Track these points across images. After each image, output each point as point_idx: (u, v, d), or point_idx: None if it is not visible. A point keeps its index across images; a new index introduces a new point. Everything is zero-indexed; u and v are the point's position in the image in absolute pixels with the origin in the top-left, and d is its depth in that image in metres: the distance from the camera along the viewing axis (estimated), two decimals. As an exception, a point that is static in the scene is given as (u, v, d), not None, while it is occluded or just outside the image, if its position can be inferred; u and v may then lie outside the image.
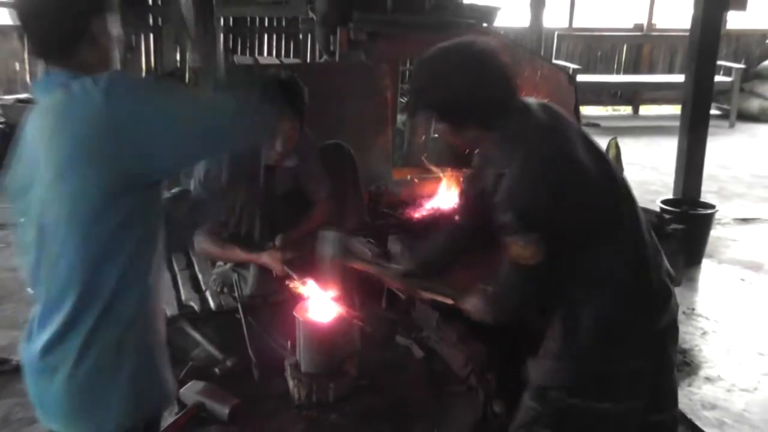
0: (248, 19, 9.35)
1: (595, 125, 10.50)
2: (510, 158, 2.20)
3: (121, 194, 1.83)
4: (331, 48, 5.35)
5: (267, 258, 3.29)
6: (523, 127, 2.24)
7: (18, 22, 1.90)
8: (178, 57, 8.71)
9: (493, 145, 2.30)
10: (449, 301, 3.12)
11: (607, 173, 2.29)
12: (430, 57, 2.31)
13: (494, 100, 2.25)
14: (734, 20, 10.80)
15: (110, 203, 1.83)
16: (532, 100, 2.37)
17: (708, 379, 4.06)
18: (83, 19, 1.89)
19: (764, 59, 11.47)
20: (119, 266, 1.87)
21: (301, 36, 9.19)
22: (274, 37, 9.58)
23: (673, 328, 2.38)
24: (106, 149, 1.79)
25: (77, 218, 1.83)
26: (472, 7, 5.65)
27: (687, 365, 4.20)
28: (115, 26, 1.97)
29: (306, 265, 3.09)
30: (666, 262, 2.42)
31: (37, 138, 1.88)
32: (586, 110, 11.38)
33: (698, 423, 3.63)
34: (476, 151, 2.49)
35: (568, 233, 2.16)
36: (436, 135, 3.79)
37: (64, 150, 1.81)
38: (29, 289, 2.02)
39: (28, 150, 1.93)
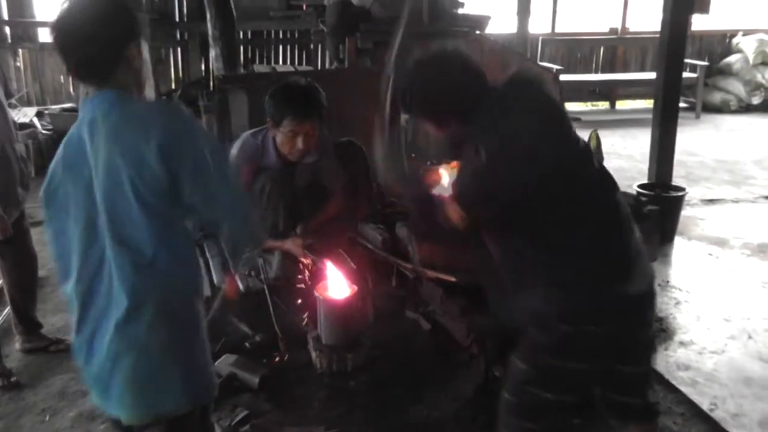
0: (265, 32, 9.33)
1: (577, 119, 10.44)
2: (487, 141, 2.19)
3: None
4: (341, 56, 5.35)
5: (290, 244, 3.30)
6: (495, 114, 2.20)
7: (58, 48, 1.89)
8: (203, 68, 8.73)
9: (473, 133, 2.29)
10: (452, 279, 3.14)
11: (572, 143, 2.26)
12: (408, 67, 2.33)
13: (467, 96, 2.25)
14: (698, 22, 10.76)
15: (163, 205, 1.85)
16: (508, 82, 2.31)
17: (681, 344, 4.06)
18: (120, 46, 1.91)
19: (725, 57, 11.42)
20: (173, 260, 1.88)
21: (312, 46, 9.17)
22: (289, 47, 9.55)
23: (645, 298, 2.35)
24: (154, 167, 1.81)
25: (135, 211, 1.84)
26: (466, 17, 5.64)
27: (663, 331, 4.19)
28: (145, 50, 1.99)
29: (324, 250, 3.10)
30: (637, 241, 2.39)
31: (93, 147, 1.88)
32: (569, 106, 11.33)
33: (674, 382, 3.62)
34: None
35: (534, 202, 2.13)
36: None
37: (122, 158, 1.83)
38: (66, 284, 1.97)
39: (79, 159, 1.91)
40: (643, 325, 2.36)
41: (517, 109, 2.19)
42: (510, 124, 2.15)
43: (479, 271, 2.41)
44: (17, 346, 3.92)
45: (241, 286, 3.46)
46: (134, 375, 1.89)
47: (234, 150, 3.44)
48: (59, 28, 1.88)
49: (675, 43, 5.54)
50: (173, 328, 1.91)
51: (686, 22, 5.62)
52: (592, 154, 2.30)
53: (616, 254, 2.25)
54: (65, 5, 1.88)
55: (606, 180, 2.31)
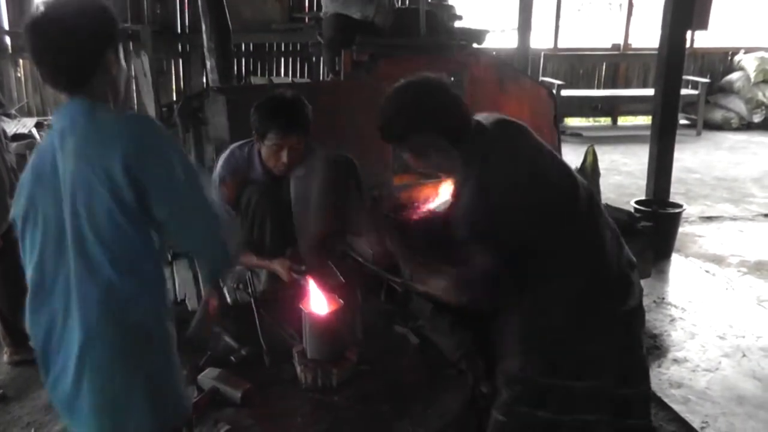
0: (267, 44, 9.35)
1: (578, 135, 10.47)
2: (466, 177, 2.19)
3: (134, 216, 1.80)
4: (337, 68, 5.34)
5: (277, 265, 3.27)
6: (478, 148, 2.22)
7: (32, 55, 1.84)
8: (204, 80, 8.74)
9: (453, 166, 2.29)
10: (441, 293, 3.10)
11: (564, 174, 2.27)
12: (391, 95, 2.32)
13: (449, 127, 2.24)
14: (700, 40, 10.78)
15: (129, 225, 1.79)
16: (488, 118, 2.33)
17: (675, 361, 4.03)
18: (97, 53, 1.85)
19: (727, 74, 11.43)
20: (140, 281, 1.83)
21: (314, 59, 9.19)
22: (290, 60, 9.57)
23: (638, 312, 2.34)
24: (119, 179, 1.76)
25: (102, 228, 1.78)
26: (463, 30, 5.62)
27: (657, 348, 4.17)
28: (122, 58, 1.94)
29: (312, 272, 3.07)
30: (629, 254, 2.39)
31: (62, 158, 1.82)
32: (570, 121, 11.37)
33: (666, 400, 3.60)
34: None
35: (525, 238, 2.14)
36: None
37: (88, 170, 1.77)
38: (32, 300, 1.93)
39: (48, 168, 1.86)
40: (637, 343, 2.35)
41: (499, 150, 2.20)
42: (490, 168, 2.17)
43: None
44: (5, 358, 3.90)
45: (228, 299, 3.44)
46: (98, 399, 1.84)
47: (220, 161, 3.42)
48: (33, 31, 1.81)
49: (674, 59, 5.55)
50: (137, 350, 1.86)
51: (685, 39, 5.62)
52: (578, 188, 2.28)
53: (609, 274, 2.27)
54: (41, 8, 1.82)
55: (593, 207, 2.31)
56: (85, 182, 1.78)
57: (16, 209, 1.92)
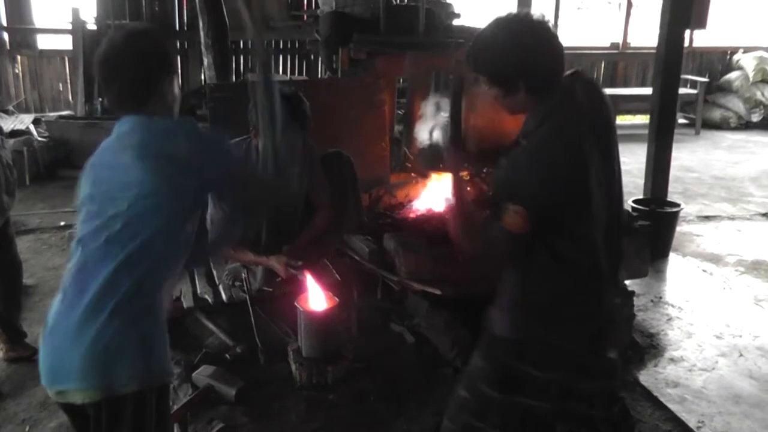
0: (265, 41, 9.31)
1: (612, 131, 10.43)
2: (533, 131, 2.14)
3: (169, 201, 1.98)
4: (334, 66, 5.32)
5: (274, 261, 3.26)
6: (558, 105, 2.13)
7: (101, 79, 2.08)
8: (202, 77, 8.73)
9: (531, 112, 2.22)
10: (437, 292, 3.10)
11: (603, 179, 2.23)
12: (488, 27, 2.18)
13: (542, 71, 2.13)
14: (699, 39, 10.77)
15: (158, 208, 1.97)
16: (581, 78, 2.24)
17: (672, 360, 4.01)
18: (156, 79, 2.06)
19: (725, 73, 11.41)
20: (154, 252, 1.98)
21: (312, 56, 9.17)
22: (289, 57, 9.56)
23: (611, 322, 2.32)
24: (176, 170, 1.98)
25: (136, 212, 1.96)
26: (462, 28, 5.60)
27: (653, 348, 4.15)
28: (177, 84, 2.16)
29: (309, 269, 3.06)
30: (620, 252, 2.35)
31: (118, 153, 2.03)
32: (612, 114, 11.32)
33: (662, 399, 3.58)
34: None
35: (545, 218, 2.10)
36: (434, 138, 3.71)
37: (147, 160, 1.97)
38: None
39: (102, 158, 2.08)
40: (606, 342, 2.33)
41: (571, 110, 2.14)
42: (553, 126, 2.11)
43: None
44: (0, 355, 3.88)
45: (224, 296, 3.43)
46: (94, 346, 1.94)
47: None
48: (102, 61, 2.05)
49: (672, 58, 5.52)
50: (139, 307, 1.99)
51: (683, 38, 5.60)
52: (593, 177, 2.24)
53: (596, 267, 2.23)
54: (109, 39, 2.08)
55: (612, 208, 2.28)
56: (143, 170, 1.97)
57: (81, 193, 2.10)
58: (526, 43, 2.13)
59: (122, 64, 2.04)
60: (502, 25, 2.17)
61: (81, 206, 2.10)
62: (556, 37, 2.18)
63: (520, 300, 2.21)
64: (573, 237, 2.17)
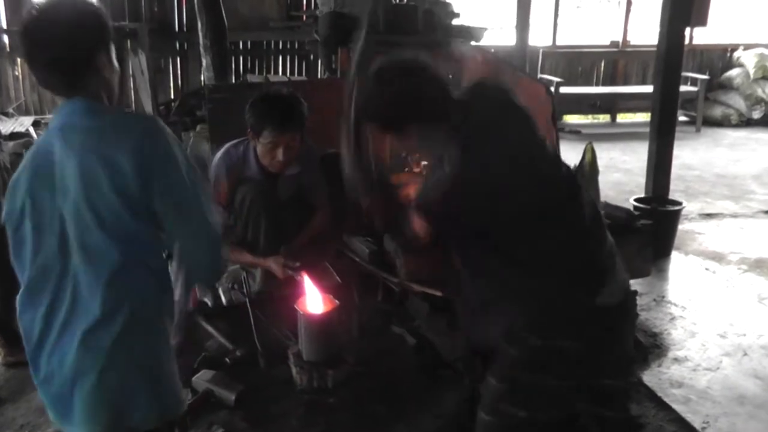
0: (264, 42, 9.30)
1: (577, 132, 10.41)
2: (444, 154, 2.13)
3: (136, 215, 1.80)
4: (333, 66, 5.29)
5: (272, 263, 3.23)
6: (459, 126, 2.14)
7: (26, 57, 1.88)
8: (202, 78, 8.70)
9: (438, 148, 2.23)
10: (438, 294, 3.07)
11: (549, 162, 2.21)
12: (372, 73, 2.21)
13: (431, 105, 2.17)
14: (699, 36, 10.73)
15: (133, 217, 1.80)
16: (469, 92, 2.26)
17: (676, 360, 3.98)
18: (89, 52, 1.86)
19: (726, 71, 11.38)
20: (145, 271, 1.84)
21: (312, 57, 9.14)
22: (288, 58, 9.53)
23: (624, 306, 2.29)
24: (127, 171, 1.77)
25: (106, 220, 1.79)
26: (461, 28, 5.58)
27: (657, 347, 4.12)
28: (114, 59, 1.94)
29: (308, 270, 3.03)
30: (612, 247, 2.32)
31: (65, 153, 1.82)
32: (569, 119, 11.32)
33: (666, 400, 3.55)
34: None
35: (497, 220, 2.08)
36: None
37: (95, 163, 1.78)
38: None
39: (47, 164, 1.85)
40: (618, 338, 2.30)
41: (480, 125, 2.14)
42: (473, 144, 2.10)
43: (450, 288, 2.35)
44: (-1, 359, 3.85)
45: (223, 299, 3.41)
46: (98, 390, 1.82)
47: (215, 160, 3.38)
48: (26, 33, 1.84)
49: (672, 56, 5.49)
50: (141, 340, 1.86)
51: (683, 35, 5.57)
52: (560, 162, 2.24)
53: (584, 266, 2.20)
54: (35, 10, 1.85)
55: (573, 189, 2.25)
56: (91, 175, 1.78)
57: (12, 205, 1.89)
58: (407, 87, 2.15)
59: (51, 32, 1.82)
60: (385, 72, 2.19)
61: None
62: (435, 70, 2.21)
63: (521, 311, 2.19)
64: (553, 226, 2.15)
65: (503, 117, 2.23)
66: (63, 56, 1.83)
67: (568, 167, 2.29)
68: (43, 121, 7.89)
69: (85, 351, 1.81)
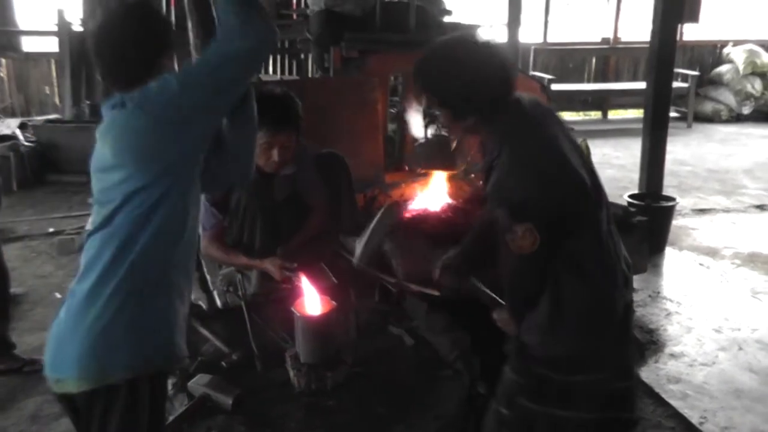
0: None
1: (569, 129, 10.42)
2: (500, 150, 2.11)
3: (163, 174, 1.97)
4: (326, 65, 5.26)
5: (268, 264, 3.20)
6: (515, 120, 2.15)
7: (95, 57, 2.05)
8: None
9: (487, 136, 2.21)
10: (435, 293, 3.05)
11: (585, 168, 2.22)
12: (436, 48, 2.20)
13: (492, 93, 2.13)
14: (690, 32, 10.77)
15: (155, 181, 1.96)
16: (525, 95, 2.27)
17: (672, 356, 3.99)
18: (155, 58, 2.04)
19: (716, 67, 11.44)
20: (150, 233, 1.96)
21: (303, 56, 9.10)
22: (278, 57, 9.48)
23: (630, 309, 2.33)
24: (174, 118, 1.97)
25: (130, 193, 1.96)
26: (453, 25, 5.55)
27: (653, 343, 4.13)
28: (175, 63, 2.15)
29: (304, 271, 3.00)
30: (624, 252, 2.34)
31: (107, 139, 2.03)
32: (561, 116, 11.31)
33: (664, 396, 3.56)
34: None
35: (555, 223, 2.07)
36: (429, 135, 3.64)
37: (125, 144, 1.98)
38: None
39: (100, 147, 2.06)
40: (630, 335, 2.35)
41: (541, 126, 2.18)
42: (536, 139, 2.14)
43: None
44: (-12, 367, 3.80)
45: (219, 302, 3.38)
46: (88, 334, 1.93)
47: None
48: (96, 35, 2.05)
49: (664, 52, 5.51)
50: (129, 296, 1.97)
51: (676, 31, 5.59)
52: (585, 182, 2.22)
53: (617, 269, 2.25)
54: (103, 15, 2.12)
55: (602, 196, 2.27)
56: (138, 128, 1.98)
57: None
58: (471, 69, 2.12)
59: (117, 35, 2.01)
60: (450, 49, 2.17)
61: (93, 203, 2.10)
62: (501, 58, 2.18)
63: (552, 313, 2.17)
64: (582, 236, 2.15)
65: (549, 113, 2.30)
66: (129, 61, 2.01)
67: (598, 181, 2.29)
68: (30, 123, 7.83)
69: (90, 296, 1.96)
